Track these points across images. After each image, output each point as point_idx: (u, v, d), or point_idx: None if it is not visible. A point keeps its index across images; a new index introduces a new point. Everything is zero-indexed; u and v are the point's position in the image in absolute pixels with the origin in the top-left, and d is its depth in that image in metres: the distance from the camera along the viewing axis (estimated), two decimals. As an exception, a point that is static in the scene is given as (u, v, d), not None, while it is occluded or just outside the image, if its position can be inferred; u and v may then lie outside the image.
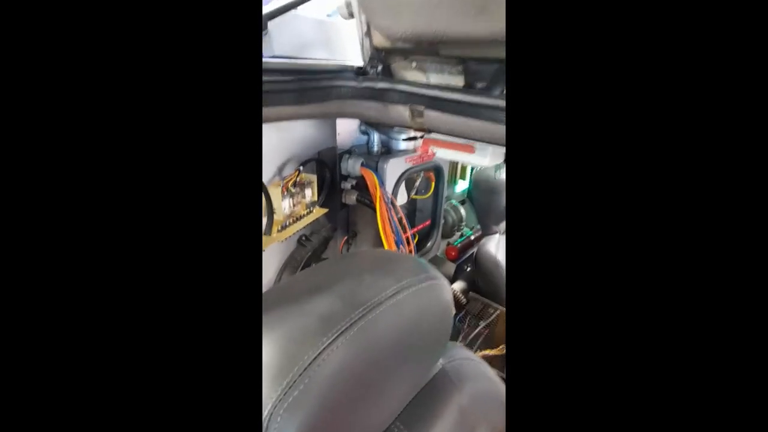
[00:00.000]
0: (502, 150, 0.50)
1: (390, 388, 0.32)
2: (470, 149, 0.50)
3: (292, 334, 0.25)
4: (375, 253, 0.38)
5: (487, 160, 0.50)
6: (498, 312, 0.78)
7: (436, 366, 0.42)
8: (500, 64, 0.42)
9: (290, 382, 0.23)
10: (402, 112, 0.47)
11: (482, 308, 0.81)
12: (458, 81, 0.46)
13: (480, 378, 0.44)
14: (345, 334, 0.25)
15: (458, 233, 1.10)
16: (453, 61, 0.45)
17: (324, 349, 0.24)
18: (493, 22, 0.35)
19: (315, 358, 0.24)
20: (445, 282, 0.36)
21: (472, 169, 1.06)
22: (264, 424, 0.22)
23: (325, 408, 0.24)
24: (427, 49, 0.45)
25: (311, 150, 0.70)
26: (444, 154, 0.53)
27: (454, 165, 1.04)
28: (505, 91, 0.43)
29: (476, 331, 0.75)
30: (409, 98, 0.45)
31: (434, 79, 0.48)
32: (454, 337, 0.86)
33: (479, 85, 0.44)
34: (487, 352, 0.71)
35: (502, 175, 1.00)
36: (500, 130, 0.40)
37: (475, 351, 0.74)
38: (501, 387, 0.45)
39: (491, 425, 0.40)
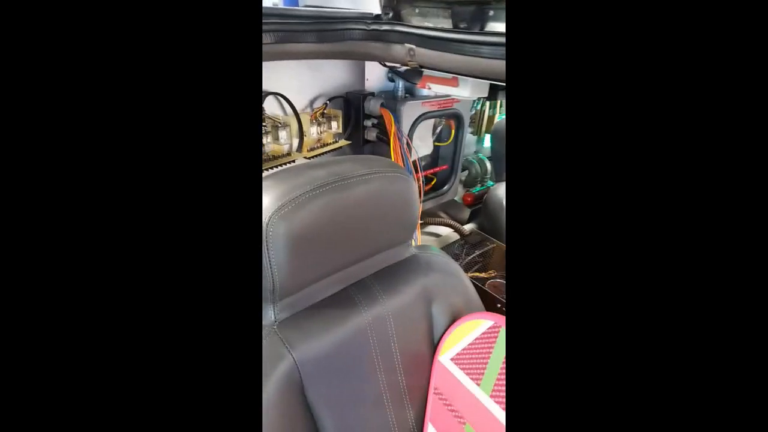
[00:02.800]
0: (483, 83, 0.58)
1: (361, 238, 0.44)
2: (455, 83, 0.59)
3: (292, 182, 0.39)
4: (364, 155, 0.51)
5: (468, 92, 0.59)
6: (494, 245, 0.88)
7: (410, 251, 0.54)
8: (477, 6, 0.50)
9: (283, 204, 0.37)
10: (400, 50, 0.58)
11: (481, 240, 0.91)
12: (447, 24, 0.56)
13: (449, 273, 0.54)
14: (323, 188, 0.39)
15: (480, 185, 1.17)
16: (443, 5, 0.55)
17: (307, 192, 0.38)
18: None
19: (301, 194, 0.38)
20: (411, 179, 0.48)
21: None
22: (264, 228, 0.36)
23: (306, 226, 0.38)
24: (424, -5, 0.54)
25: (341, 91, 0.83)
26: (436, 89, 0.63)
27: (480, 118, 1.11)
28: (483, 29, 0.51)
29: (471, 257, 0.86)
30: (405, 37, 0.56)
31: (431, 22, 0.57)
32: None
33: (462, 25, 0.53)
34: (477, 274, 0.81)
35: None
36: (479, 62, 0.49)
37: (468, 272, 0.85)
38: (467, 283, 0.55)
39: (449, 304, 0.51)
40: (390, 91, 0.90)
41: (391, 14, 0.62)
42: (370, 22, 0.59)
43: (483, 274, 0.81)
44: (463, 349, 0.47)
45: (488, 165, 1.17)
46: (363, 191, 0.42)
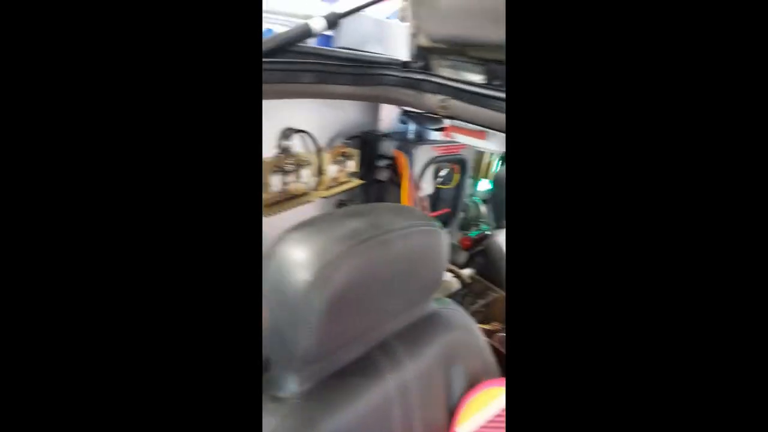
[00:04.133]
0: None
1: (394, 296, 0.41)
2: (482, 135, 0.61)
3: (331, 234, 0.36)
4: (395, 204, 0.50)
5: (495, 145, 0.60)
6: (497, 296, 0.87)
7: (431, 307, 0.52)
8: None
9: (325, 263, 0.33)
10: (432, 99, 0.59)
11: (483, 289, 0.90)
12: (480, 78, 0.58)
13: (467, 329, 0.52)
14: (365, 243, 0.36)
15: (476, 228, 1.19)
16: (477, 62, 0.57)
17: (349, 248, 0.35)
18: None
19: (344, 251, 0.34)
20: (444, 233, 0.46)
21: (497, 166, 1.15)
22: (297, 287, 0.32)
23: (346, 286, 0.34)
24: (459, 50, 0.56)
25: (356, 129, 0.83)
26: (461, 139, 0.65)
27: (478, 163, 1.14)
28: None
29: (474, 307, 0.84)
30: (439, 88, 0.57)
31: (462, 75, 0.59)
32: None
33: (496, 82, 0.55)
34: (482, 326, 0.80)
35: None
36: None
37: (472, 322, 0.83)
38: (483, 343, 0.53)
39: (467, 366, 0.49)
40: (400, 132, 0.92)
41: (421, 63, 0.63)
42: (404, 69, 0.60)
43: (487, 326, 0.80)
44: (482, 427, 0.44)
45: (482, 208, 1.19)
46: (403, 246, 0.40)
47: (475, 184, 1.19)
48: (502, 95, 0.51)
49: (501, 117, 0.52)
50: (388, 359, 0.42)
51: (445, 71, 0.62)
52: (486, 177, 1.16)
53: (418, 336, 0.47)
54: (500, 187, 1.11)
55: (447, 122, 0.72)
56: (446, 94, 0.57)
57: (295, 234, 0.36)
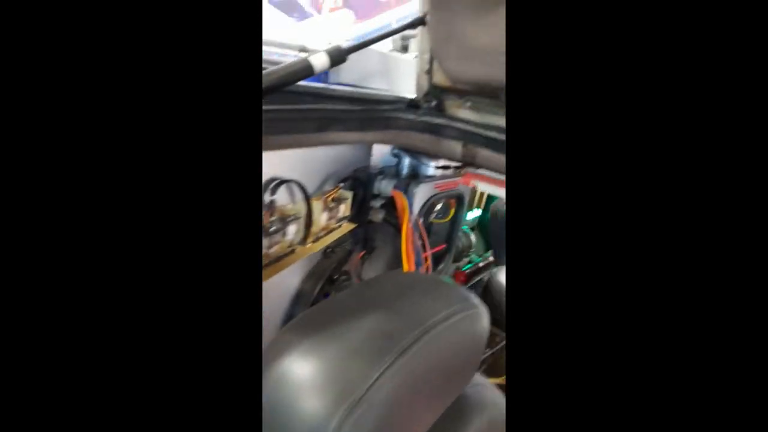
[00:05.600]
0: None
1: (434, 406, 0.33)
2: (513, 189, 0.53)
3: (354, 349, 0.26)
4: (418, 276, 0.40)
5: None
6: (504, 342, 0.81)
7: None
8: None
9: (356, 399, 0.23)
10: (454, 147, 0.50)
11: (489, 336, 0.83)
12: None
13: (496, 406, 0.46)
14: (405, 354, 0.26)
15: (467, 259, 1.13)
16: (503, 103, 0.49)
17: (385, 369, 0.25)
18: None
19: (380, 376, 0.25)
20: (485, 311, 0.38)
21: (489, 200, 1.10)
22: None
23: (383, 426, 0.25)
24: (489, 92, 0.48)
25: (347, 167, 0.72)
26: (486, 188, 0.57)
27: (472, 194, 1.08)
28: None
29: (482, 357, 0.77)
30: (464, 135, 0.49)
31: (486, 119, 0.51)
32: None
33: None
34: (491, 380, 0.72)
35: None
36: None
37: (482, 378, 0.76)
38: None
39: None
40: (393, 166, 0.82)
41: (434, 103, 0.54)
42: (419, 112, 0.51)
43: (498, 380, 0.72)
44: None
45: (473, 238, 1.13)
46: (449, 344, 0.31)
47: (465, 214, 1.13)
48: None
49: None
50: None
51: (464, 113, 0.54)
52: (478, 206, 1.10)
53: (450, 428, 0.38)
54: (493, 217, 1.05)
55: (453, 164, 0.63)
56: (473, 143, 0.48)
57: (303, 344, 0.25)
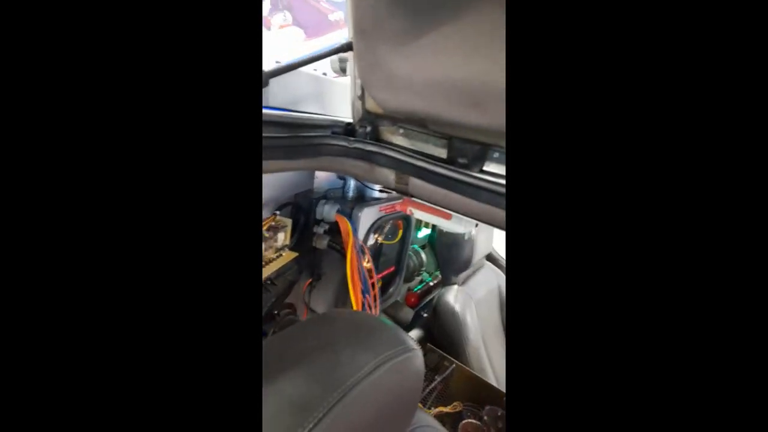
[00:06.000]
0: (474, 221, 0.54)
1: None
2: (448, 216, 0.53)
3: (265, 422, 0.24)
4: (351, 321, 0.37)
5: (462, 227, 0.53)
6: (453, 366, 0.80)
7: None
8: (481, 146, 0.46)
9: None
10: (388, 174, 0.49)
11: (438, 361, 0.82)
12: (441, 153, 0.50)
13: None
14: (321, 422, 0.24)
15: (418, 278, 1.12)
16: (438, 135, 0.49)
17: None
18: (485, 116, 0.39)
19: None
20: (419, 350, 0.36)
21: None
22: None
23: None
24: (417, 121, 0.48)
25: (288, 192, 0.69)
26: (422, 216, 0.56)
27: (420, 214, 1.09)
28: (482, 169, 0.47)
29: (432, 385, 0.75)
30: (396, 164, 0.48)
31: (419, 147, 0.51)
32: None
33: (461, 160, 0.48)
34: (441, 409, 0.71)
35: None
36: (477, 206, 0.44)
37: (429, 407, 0.74)
38: None
39: None
40: (339, 189, 0.80)
41: (369, 128, 0.54)
42: (352, 139, 0.50)
43: (448, 408, 0.71)
44: None
45: (423, 256, 1.13)
46: (373, 401, 0.29)
47: (416, 232, 1.13)
48: (471, 180, 0.43)
49: (470, 203, 0.44)
50: None
51: (399, 139, 0.53)
52: (426, 225, 1.11)
53: None
54: (444, 236, 1.06)
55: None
56: (405, 172, 0.48)
57: None
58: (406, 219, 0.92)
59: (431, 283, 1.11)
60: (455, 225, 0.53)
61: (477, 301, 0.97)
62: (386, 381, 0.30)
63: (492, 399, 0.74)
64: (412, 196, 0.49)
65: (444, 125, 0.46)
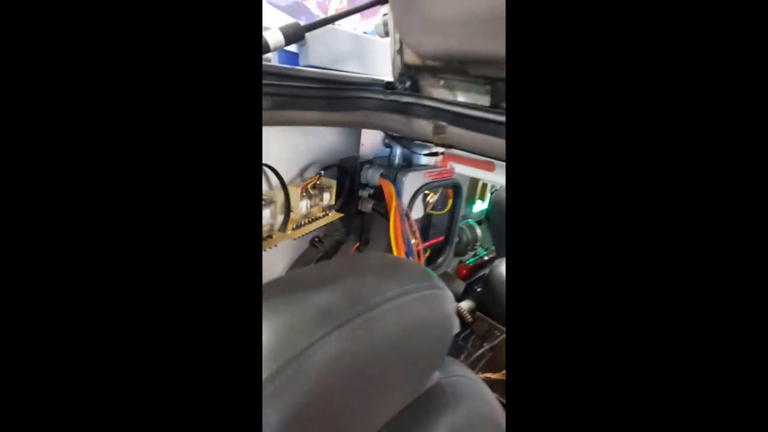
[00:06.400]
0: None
1: (382, 391, 0.31)
2: (490, 167, 0.51)
3: (289, 321, 0.25)
4: (383, 257, 0.38)
5: (504, 179, 0.50)
6: (503, 336, 0.77)
7: (432, 379, 0.41)
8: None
9: (280, 367, 0.22)
10: (425, 126, 0.48)
11: (488, 329, 0.80)
12: (485, 100, 0.47)
13: (477, 399, 0.42)
14: (342, 328, 0.25)
15: (472, 253, 1.09)
16: (481, 81, 0.47)
17: (318, 340, 0.24)
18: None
19: (308, 347, 0.24)
20: (449, 293, 0.36)
21: (492, 191, 1.06)
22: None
23: (311, 399, 0.24)
24: (457, 68, 0.46)
25: (335, 157, 0.72)
26: (463, 170, 0.54)
27: (473, 184, 1.05)
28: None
29: (479, 352, 0.74)
30: (433, 113, 0.47)
31: (461, 97, 0.49)
32: (455, 355, 0.84)
33: (504, 105, 0.45)
34: (489, 375, 0.69)
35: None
36: None
37: (477, 373, 0.72)
38: (499, 412, 0.43)
39: None
40: (385, 157, 0.81)
41: (408, 83, 0.53)
42: (388, 92, 0.50)
43: (497, 375, 0.69)
44: None
45: (478, 231, 1.09)
46: (395, 323, 0.29)
47: (470, 206, 1.09)
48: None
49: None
50: None
51: (440, 92, 0.51)
52: (482, 198, 1.06)
53: (415, 422, 0.36)
54: (498, 208, 1.01)
55: (441, 150, 0.61)
56: (442, 120, 0.46)
57: None
58: (456, 188, 0.89)
59: (486, 258, 1.07)
60: (499, 177, 0.50)
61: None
62: (412, 308, 0.30)
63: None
64: (450, 146, 0.48)
65: (483, 65, 0.43)
